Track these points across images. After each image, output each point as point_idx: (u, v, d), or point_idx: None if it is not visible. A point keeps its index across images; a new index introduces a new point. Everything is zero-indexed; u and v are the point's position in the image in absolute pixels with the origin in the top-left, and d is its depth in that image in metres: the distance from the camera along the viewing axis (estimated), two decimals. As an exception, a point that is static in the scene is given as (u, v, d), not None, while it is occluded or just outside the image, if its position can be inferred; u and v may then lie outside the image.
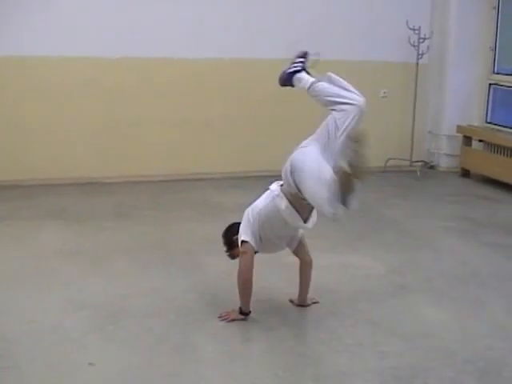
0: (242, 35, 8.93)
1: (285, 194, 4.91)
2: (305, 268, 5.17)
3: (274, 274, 5.80)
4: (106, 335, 4.79)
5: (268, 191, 5.13)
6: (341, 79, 4.96)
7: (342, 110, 4.80)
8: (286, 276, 5.62)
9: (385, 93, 9.72)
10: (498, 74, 9.62)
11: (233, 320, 4.95)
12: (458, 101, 9.81)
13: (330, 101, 4.88)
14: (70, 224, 7.12)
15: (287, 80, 5.21)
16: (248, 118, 9.14)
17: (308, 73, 5.16)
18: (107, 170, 8.70)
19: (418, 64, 9.59)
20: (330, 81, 5.00)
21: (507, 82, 9.43)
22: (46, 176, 8.45)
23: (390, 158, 9.67)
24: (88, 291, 5.49)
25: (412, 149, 9.76)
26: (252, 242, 4.93)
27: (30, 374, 4.27)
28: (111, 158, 8.71)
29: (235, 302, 5.11)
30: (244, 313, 4.98)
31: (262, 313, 5.13)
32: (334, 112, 4.85)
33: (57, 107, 8.46)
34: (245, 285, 4.94)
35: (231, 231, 5.21)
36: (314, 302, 5.26)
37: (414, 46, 9.52)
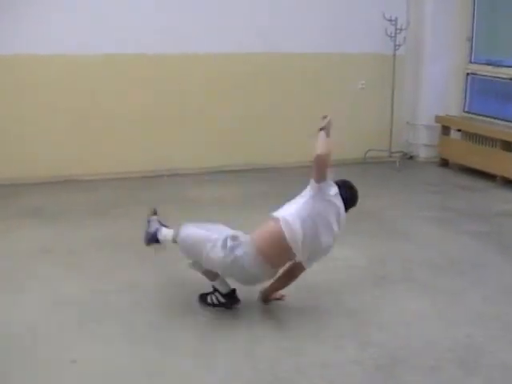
0: (214, 29, 8.87)
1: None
2: (295, 270, 5.06)
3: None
4: (87, 332, 4.78)
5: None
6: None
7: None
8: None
9: (363, 84, 9.71)
10: (474, 63, 9.63)
11: None
12: (436, 91, 9.82)
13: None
14: (47, 222, 7.07)
15: (152, 239, 5.38)
16: (223, 113, 9.11)
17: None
18: (84, 167, 8.64)
19: (395, 55, 9.60)
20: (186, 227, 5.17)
21: (484, 71, 9.44)
22: (21, 175, 8.38)
23: (370, 149, 9.68)
24: (67, 289, 5.46)
25: (391, 140, 9.77)
26: None
27: (11, 374, 4.25)
28: (88, 156, 8.64)
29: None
30: None
31: (245, 307, 5.12)
32: None
33: (31, 105, 8.39)
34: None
35: None
36: (278, 299, 5.21)
37: (390, 37, 9.52)
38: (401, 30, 9.53)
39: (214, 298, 5.10)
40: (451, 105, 9.83)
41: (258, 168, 9.18)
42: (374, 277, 5.70)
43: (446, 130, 9.73)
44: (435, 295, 5.39)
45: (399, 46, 9.57)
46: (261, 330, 4.80)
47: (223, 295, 5.06)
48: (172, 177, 8.77)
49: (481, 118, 9.45)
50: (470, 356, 4.49)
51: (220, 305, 5.08)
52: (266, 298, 5.13)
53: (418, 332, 4.80)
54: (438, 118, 9.73)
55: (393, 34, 9.52)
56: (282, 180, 8.80)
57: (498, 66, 9.21)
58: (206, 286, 5.40)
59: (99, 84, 8.58)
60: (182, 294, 5.39)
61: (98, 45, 8.41)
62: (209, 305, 5.09)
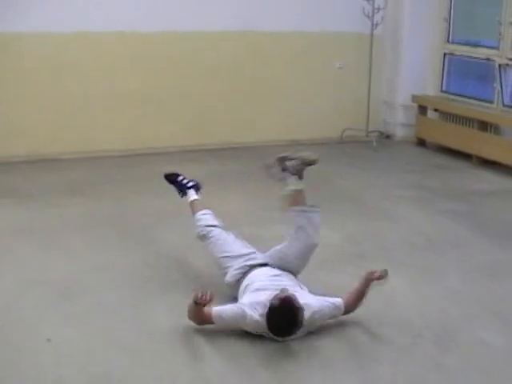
0: (192, 7, 8.80)
1: None
2: None
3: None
4: (62, 311, 4.75)
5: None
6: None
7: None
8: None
9: (340, 64, 9.68)
10: (452, 43, 9.62)
11: None
12: (413, 71, 9.80)
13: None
14: (22, 202, 7.00)
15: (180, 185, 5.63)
16: (200, 92, 9.05)
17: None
18: (61, 146, 8.54)
19: (372, 35, 9.56)
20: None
21: (462, 51, 9.43)
22: (-3, 154, 8.31)
23: (346, 129, 9.66)
24: (42, 268, 5.42)
25: (368, 119, 9.75)
26: None
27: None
28: (64, 134, 8.55)
29: (190, 275, 5.13)
30: None
31: (218, 284, 5.11)
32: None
33: (5, 85, 8.29)
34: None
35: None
36: None
37: (368, 16, 9.48)
38: (378, 9, 9.50)
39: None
40: (428, 84, 9.83)
41: (236, 147, 9.14)
42: (350, 255, 5.70)
43: (422, 109, 9.73)
44: (412, 274, 5.41)
45: (377, 25, 9.54)
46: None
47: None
48: (148, 156, 8.71)
49: (458, 97, 9.45)
50: (446, 334, 4.51)
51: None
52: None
53: (395, 310, 4.82)
54: (415, 98, 9.72)
55: (370, 14, 9.48)
56: (259, 159, 8.76)
57: (476, 46, 9.21)
58: (182, 265, 5.40)
59: (75, 63, 8.47)
60: (158, 272, 5.37)
61: (72, 23, 8.32)
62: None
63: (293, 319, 4.21)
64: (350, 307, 4.56)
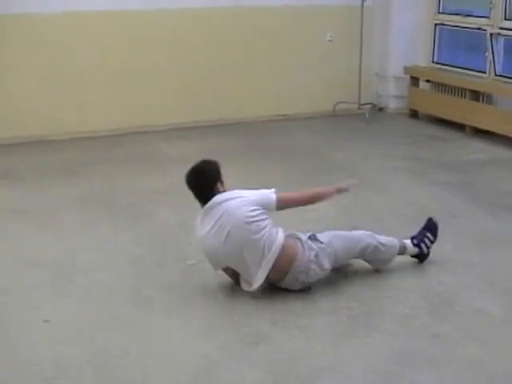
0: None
1: None
2: None
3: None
4: (59, 291, 4.76)
5: None
6: None
7: None
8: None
9: (331, 36, 9.64)
10: (443, 13, 9.58)
11: None
12: (404, 42, 9.76)
13: None
14: (15, 183, 6.99)
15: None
16: (189, 68, 9.00)
17: None
18: (52, 127, 8.49)
19: (362, 6, 9.52)
20: None
21: (452, 21, 9.40)
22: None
23: (339, 102, 9.63)
24: (37, 248, 5.42)
25: (360, 92, 9.72)
26: None
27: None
28: (55, 115, 8.50)
29: (183, 252, 5.14)
30: None
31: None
32: None
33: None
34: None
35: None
36: None
37: (358, -12, 9.45)
38: (368, -20, 9.46)
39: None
40: (420, 56, 9.79)
41: (227, 123, 9.11)
42: (345, 227, 5.66)
43: (414, 81, 9.71)
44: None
45: (367, -4, 9.51)
46: (229, 286, 4.79)
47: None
48: (139, 134, 8.67)
49: (449, 68, 9.42)
50: (442, 303, 4.53)
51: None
52: None
53: (391, 281, 4.84)
54: (406, 69, 9.69)
55: (360, -14, 9.44)
56: (250, 134, 8.77)
57: (467, 15, 9.17)
58: (176, 242, 5.41)
59: (63, 43, 8.42)
60: (152, 250, 5.37)
61: (61, 2, 8.26)
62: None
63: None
64: (289, 202, 4.70)
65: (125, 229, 5.81)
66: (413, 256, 5.04)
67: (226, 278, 4.80)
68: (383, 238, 4.91)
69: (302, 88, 9.55)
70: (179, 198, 6.43)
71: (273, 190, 4.66)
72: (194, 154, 7.82)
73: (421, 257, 5.02)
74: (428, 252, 5.03)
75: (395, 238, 5.00)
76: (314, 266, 4.57)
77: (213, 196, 4.60)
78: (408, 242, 5.03)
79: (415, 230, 5.60)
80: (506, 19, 8.60)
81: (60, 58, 8.43)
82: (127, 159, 7.78)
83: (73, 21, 8.40)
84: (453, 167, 7.43)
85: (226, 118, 9.19)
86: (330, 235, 4.76)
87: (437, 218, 5.37)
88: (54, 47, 8.39)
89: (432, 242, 5.05)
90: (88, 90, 8.62)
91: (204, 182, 4.68)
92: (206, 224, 4.56)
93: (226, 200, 4.57)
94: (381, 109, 10.01)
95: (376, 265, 4.92)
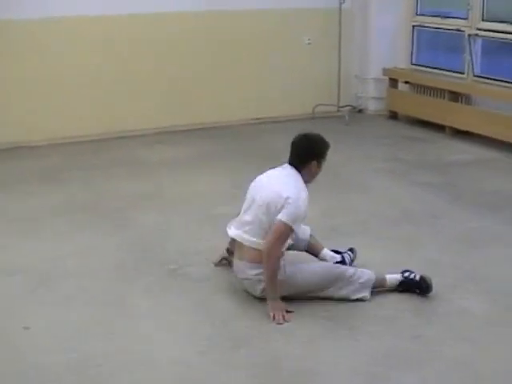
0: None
1: None
2: None
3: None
4: (40, 298, 4.71)
5: None
6: None
7: None
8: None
9: (309, 39, 9.62)
10: (421, 15, 9.59)
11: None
12: (383, 44, 9.76)
13: None
14: (-3, 190, 6.92)
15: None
16: (170, 73, 8.94)
17: None
18: (33, 133, 8.40)
19: (340, 9, 9.52)
20: None
21: (430, 22, 9.41)
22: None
23: (318, 104, 9.62)
24: (19, 255, 5.36)
25: (339, 94, 9.72)
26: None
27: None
28: (36, 121, 8.40)
29: (165, 257, 5.11)
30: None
31: (195, 264, 5.09)
32: None
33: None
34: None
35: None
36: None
37: (335, -10, 9.45)
38: (346, -17, 9.46)
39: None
40: (399, 57, 9.79)
41: (208, 127, 9.07)
42: (327, 229, 5.65)
43: (393, 82, 9.71)
44: (390, 246, 5.41)
45: (345, -1, 9.51)
46: (209, 287, 4.79)
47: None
48: (121, 139, 8.61)
49: (428, 69, 9.43)
50: (426, 304, 4.52)
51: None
52: None
53: (375, 282, 4.82)
54: (385, 71, 9.70)
55: (338, -12, 9.44)
56: (232, 138, 8.74)
57: (445, 17, 9.19)
58: (158, 247, 5.38)
59: (45, 47, 8.33)
60: (133, 255, 5.32)
61: (39, 8, 8.18)
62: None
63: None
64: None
65: (108, 234, 5.76)
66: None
67: (207, 283, 4.80)
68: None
69: (281, 91, 9.52)
70: (163, 202, 6.45)
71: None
72: (176, 158, 7.85)
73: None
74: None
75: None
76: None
77: (297, 166, 4.60)
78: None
79: (398, 231, 5.63)
80: (483, 20, 8.62)
81: (41, 64, 8.33)
82: (111, 164, 7.71)
83: (53, 26, 8.31)
84: (434, 168, 7.43)
85: (207, 121, 9.15)
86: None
87: (420, 219, 5.36)
88: (35, 53, 8.29)
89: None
90: (70, 95, 8.52)
91: (300, 150, 4.66)
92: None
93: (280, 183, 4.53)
94: (360, 111, 10.01)
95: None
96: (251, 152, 8.07)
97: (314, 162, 4.62)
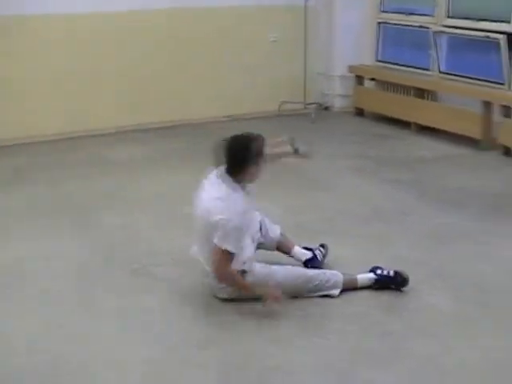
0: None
1: None
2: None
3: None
4: (6, 301, 4.62)
5: None
6: None
7: None
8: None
9: (275, 37, 9.59)
10: (385, 12, 9.59)
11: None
12: (349, 41, 9.76)
13: None
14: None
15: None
16: (135, 71, 8.88)
17: None
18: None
19: (306, 6, 9.51)
20: None
21: (395, 19, 9.41)
22: None
23: (284, 102, 9.60)
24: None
25: (305, 91, 9.71)
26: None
27: None
28: (1, 121, 8.29)
29: (134, 257, 5.05)
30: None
31: (161, 263, 5.06)
32: None
33: None
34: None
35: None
36: None
37: (300, -12, 9.43)
38: (311, -20, 9.45)
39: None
40: (364, 54, 9.79)
41: (174, 125, 9.01)
42: (294, 228, 5.59)
43: (359, 79, 9.72)
44: (358, 243, 5.38)
45: (310, -4, 9.50)
46: (176, 286, 4.74)
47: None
48: (88, 138, 8.51)
49: (394, 66, 9.43)
50: (396, 301, 4.51)
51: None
52: None
53: (342, 280, 4.79)
54: (351, 68, 9.70)
55: (303, -15, 9.43)
56: (196, 136, 8.67)
57: (410, 14, 9.19)
58: (124, 247, 5.32)
59: (13, 46, 8.22)
60: (102, 256, 5.25)
61: (13, 5, 8.07)
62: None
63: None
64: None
65: (72, 235, 5.67)
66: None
67: (172, 282, 4.76)
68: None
69: (246, 88, 9.49)
70: (129, 202, 6.38)
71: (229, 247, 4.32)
72: (141, 157, 7.78)
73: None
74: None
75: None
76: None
77: (234, 173, 4.43)
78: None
79: (367, 228, 5.60)
80: (449, 17, 8.63)
81: (4, 63, 8.22)
82: (76, 164, 7.62)
83: (14, 24, 8.19)
84: (401, 165, 7.43)
85: (171, 119, 9.09)
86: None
87: (388, 216, 5.34)
88: (2, 50, 8.17)
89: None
90: (33, 93, 8.43)
91: (234, 157, 4.45)
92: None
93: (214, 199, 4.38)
94: (326, 108, 9.99)
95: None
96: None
97: (253, 165, 4.43)
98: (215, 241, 4.27)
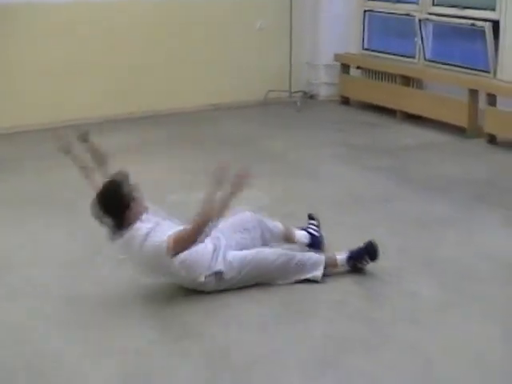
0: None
1: None
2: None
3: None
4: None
5: None
6: None
7: None
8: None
9: (261, 25, 9.57)
10: (371, 0, 9.58)
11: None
12: (334, 29, 9.73)
13: None
14: None
15: None
16: (120, 60, 8.82)
17: None
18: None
19: (291, -6, 9.51)
20: None
21: (381, 8, 9.40)
22: None
23: (270, 90, 9.58)
24: None
25: (291, 80, 9.69)
26: None
27: None
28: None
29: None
30: None
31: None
32: None
33: None
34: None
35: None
36: None
37: (286, -25, 9.41)
38: (296, -32, 9.43)
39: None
40: (350, 43, 9.77)
41: (160, 114, 8.98)
42: (279, 216, 5.58)
43: (345, 68, 9.71)
44: (341, 231, 5.36)
45: (295, -16, 9.47)
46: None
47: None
48: (71, 128, 8.44)
49: (380, 54, 9.42)
50: (377, 288, 4.52)
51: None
52: None
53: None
54: (337, 56, 9.69)
55: (288, -27, 9.40)
56: (183, 125, 8.67)
57: (396, 2, 9.18)
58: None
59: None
60: (88, 247, 5.23)
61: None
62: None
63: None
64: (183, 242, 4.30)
65: (58, 225, 5.65)
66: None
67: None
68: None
69: (232, 77, 9.47)
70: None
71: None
72: (127, 146, 7.75)
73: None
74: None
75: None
76: None
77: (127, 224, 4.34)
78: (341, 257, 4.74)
79: (351, 216, 5.60)
80: (434, 5, 8.64)
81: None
82: (59, 154, 7.56)
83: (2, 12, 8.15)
84: (385, 152, 7.44)
85: (157, 108, 9.06)
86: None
87: (371, 203, 5.34)
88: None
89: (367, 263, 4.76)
90: (18, 82, 8.38)
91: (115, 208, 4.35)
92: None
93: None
94: (312, 96, 9.98)
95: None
96: (201, 139, 8.05)
97: (132, 203, 4.34)
98: (165, 242, 4.25)
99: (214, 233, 4.50)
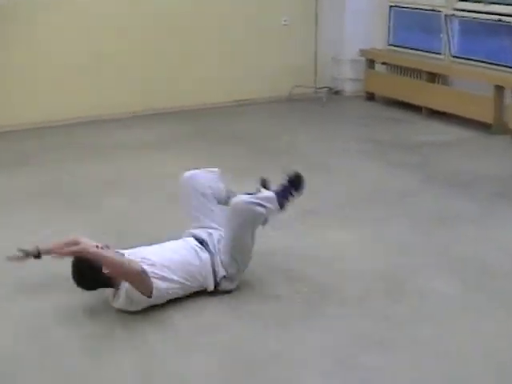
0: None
1: None
2: None
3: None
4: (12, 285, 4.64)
5: None
6: None
7: None
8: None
9: (285, 20, 9.57)
10: (397, -5, 9.56)
11: None
12: (360, 24, 9.69)
13: None
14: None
15: None
16: (145, 56, 8.83)
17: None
18: (5, 118, 8.28)
19: (317, -11, 9.49)
20: None
21: (407, 3, 9.36)
22: None
23: (295, 86, 9.57)
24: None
25: (316, 75, 9.68)
26: None
27: None
28: (9, 106, 8.29)
29: (140, 241, 5.05)
30: None
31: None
32: None
33: None
34: None
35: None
36: None
37: (312, -29, 9.39)
38: (322, -37, 9.40)
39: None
40: (376, 38, 9.73)
41: (184, 110, 8.99)
42: (300, 211, 5.57)
43: (371, 63, 9.67)
44: (362, 227, 5.37)
45: (321, -20, 9.46)
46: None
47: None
48: (95, 123, 8.52)
49: (405, 50, 9.38)
50: (396, 285, 4.49)
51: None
52: None
53: (343, 263, 4.79)
54: (362, 52, 9.66)
55: (314, -32, 9.39)
56: (207, 120, 8.69)
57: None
58: (130, 230, 5.32)
59: (12, 31, 8.23)
60: (107, 239, 5.24)
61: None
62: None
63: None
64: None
65: (79, 219, 5.66)
66: None
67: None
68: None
69: (257, 73, 9.47)
70: (132, 186, 6.38)
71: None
72: (150, 142, 7.77)
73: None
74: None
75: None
76: None
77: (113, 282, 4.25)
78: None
79: (372, 211, 5.58)
80: (460, 0, 8.58)
81: (13, 47, 8.23)
82: (82, 148, 7.63)
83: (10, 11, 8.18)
84: (410, 148, 7.41)
85: (181, 104, 9.08)
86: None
87: (393, 199, 5.29)
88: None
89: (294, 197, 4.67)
90: (40, 79, 8.43)
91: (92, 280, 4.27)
92: None
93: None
94: (337, 92, 9.95)
95: None
96: (225, 134, 8.05)
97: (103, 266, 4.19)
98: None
99: (203, 231, 4.50)
